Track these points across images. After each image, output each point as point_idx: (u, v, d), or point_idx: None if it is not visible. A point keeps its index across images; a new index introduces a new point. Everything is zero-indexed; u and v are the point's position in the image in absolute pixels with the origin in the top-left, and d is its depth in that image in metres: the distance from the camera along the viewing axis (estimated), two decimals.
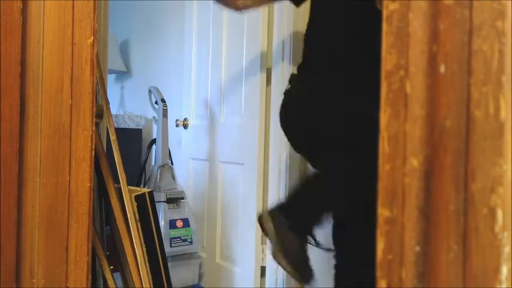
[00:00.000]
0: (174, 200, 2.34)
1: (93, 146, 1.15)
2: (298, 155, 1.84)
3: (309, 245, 1.42)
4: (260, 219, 1.46)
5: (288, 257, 1.37)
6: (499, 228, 0.55)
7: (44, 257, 1.16)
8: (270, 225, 1.40)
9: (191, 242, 2.32)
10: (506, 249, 0.54)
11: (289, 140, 1.54)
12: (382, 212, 0.65)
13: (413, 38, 0.64)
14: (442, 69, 0.61)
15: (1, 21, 1.13)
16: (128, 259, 1.39)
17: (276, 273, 1.96)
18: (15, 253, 1.16)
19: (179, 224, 2.30)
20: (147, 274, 1.40)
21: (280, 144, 1.99)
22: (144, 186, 2.58)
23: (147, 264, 1.42)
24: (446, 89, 0.60)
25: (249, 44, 2.13)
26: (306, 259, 1.40)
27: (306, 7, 1.57)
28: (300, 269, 1.39)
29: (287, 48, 1.98)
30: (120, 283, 1.50)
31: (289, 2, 1.61)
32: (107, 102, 1.49)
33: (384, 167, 0.65)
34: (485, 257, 0.56)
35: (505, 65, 0.55)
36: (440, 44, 0.61)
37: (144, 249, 1.43)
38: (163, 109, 2.47)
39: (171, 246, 2.23)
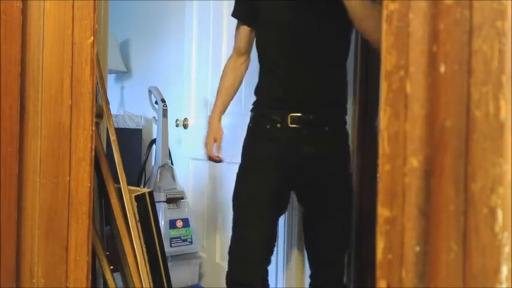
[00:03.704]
0: (174, 200, 2.34)
1: (93, 146, 1.15)
2: None
3: None
4: None
5: None
6: (499, 228, 0.55)
7: (44, 257, 1.16)
8: None
9: (191, 242, 2.32)
10: (506, 249, 0.54)
11: None
12: (382, 212, 0.65)
13: (413, 38, 0.64)
14: (442, 69, 0.61)
15: (1, 21, 1.13)
16: (128, 259, 1.38)
17: (276, 273, 1.96)
18: (15, 253, 1.15)
19: (179, 224, 2.30)
20: (147, 274, 1.40)
21: None
22: (144, 186, 2.58)
23: (147, 264, 1.42)
24: (446, 89, 0.60)
25: None
26: None
27: None
28: None
29: None
30: (120, 283, 1.50)
31: None
32: (107, 102, 1.49)
33: (383, 167, 0.65)
34: (485, 257, 0.56)
35: (505, 65, 0.55)
36: (440, 44, 0.61)
37: (144, 249, 1.43)
38: (163, 109, 2.46)
39: (171, 246, 2.23)
